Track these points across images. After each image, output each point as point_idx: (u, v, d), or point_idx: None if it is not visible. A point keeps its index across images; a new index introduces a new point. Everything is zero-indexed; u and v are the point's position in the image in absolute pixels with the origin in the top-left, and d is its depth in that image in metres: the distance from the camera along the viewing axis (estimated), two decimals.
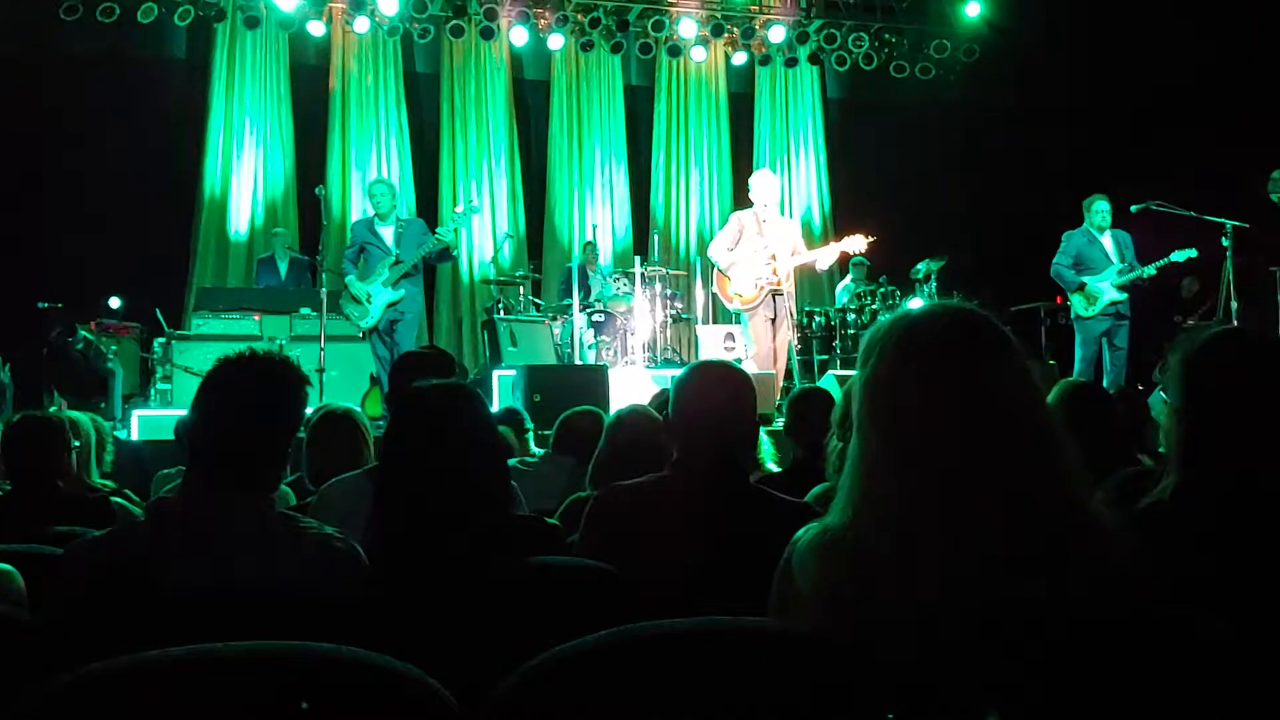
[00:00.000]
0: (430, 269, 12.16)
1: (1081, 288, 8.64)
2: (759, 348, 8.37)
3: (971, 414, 1.47)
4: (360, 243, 8.46)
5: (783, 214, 8.91)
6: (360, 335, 8.66)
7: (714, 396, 2.50)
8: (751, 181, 8.62)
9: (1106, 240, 8.75)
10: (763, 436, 4.04)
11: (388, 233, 8.37)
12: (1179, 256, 8.46)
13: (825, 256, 8.65)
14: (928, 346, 1.52)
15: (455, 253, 8.71)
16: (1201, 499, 1.77)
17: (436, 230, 8.46)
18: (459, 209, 8.92)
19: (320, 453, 3.73)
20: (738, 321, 9.29)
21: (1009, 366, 1.52)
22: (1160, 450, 2.44)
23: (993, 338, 1.53)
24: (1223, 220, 8.09)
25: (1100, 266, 8.68)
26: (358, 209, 11.84)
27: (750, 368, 8.23)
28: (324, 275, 8.51)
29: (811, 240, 12.10)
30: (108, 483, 4.24)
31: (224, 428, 2.13)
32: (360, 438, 3.77)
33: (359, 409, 4.13)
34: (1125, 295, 8.62)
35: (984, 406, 1.48)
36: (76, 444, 3.70)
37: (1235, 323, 7.74)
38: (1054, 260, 8.82)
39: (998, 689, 1.36)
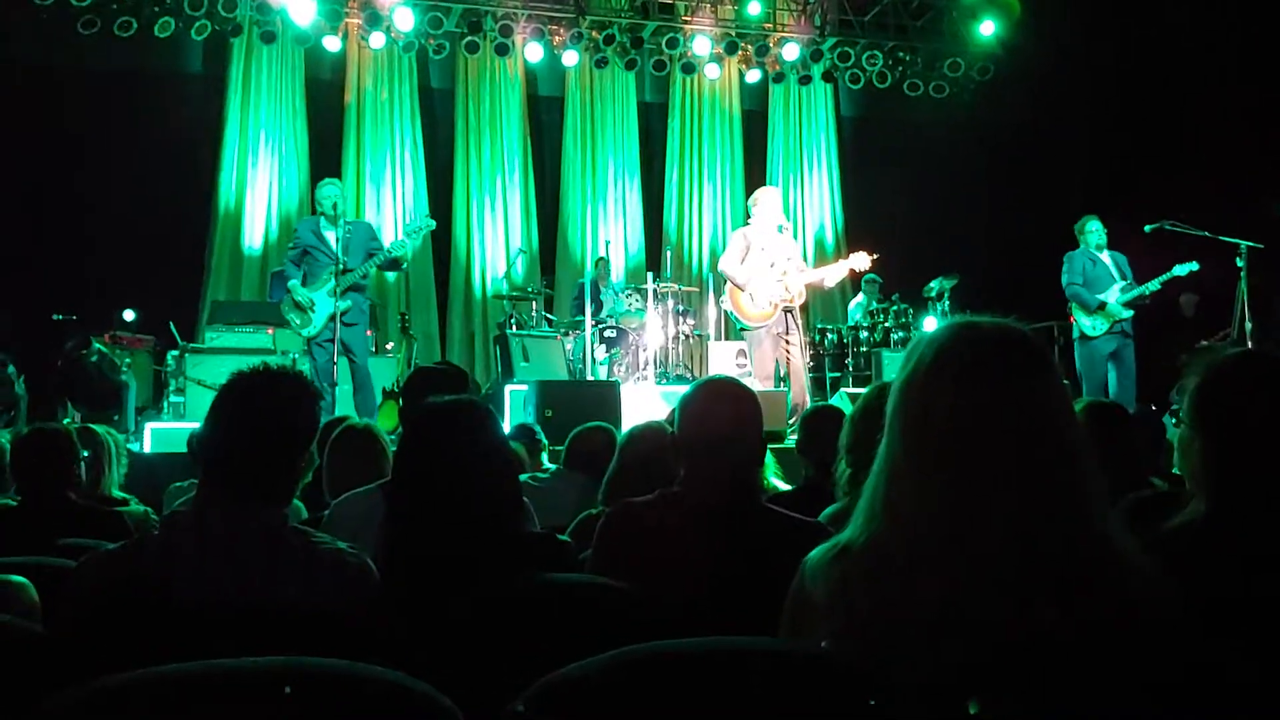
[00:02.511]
0: (441, 284, 12.25)
1: (1103, 307, 8.60)
2: (762, 367, 8.34)
3: (1001, 430, 1.47)
4: (304, 245, 8.04)
5: (796, 231, 8.91)
6: (373, 350, 8.62)
7: (718, 414, 2.48)
8: (758, 197, 8.59)
9: (1106, 259, 8.74)
10: (767, 455, 4.02)
11: (333, 237, 7.87)
12: (1181, 270, 8.46)
13: (832, 274, 8.72)
14: (965, 359, 1.52)
15: (405, 266, 8.50)
16: (1236, 524, 1.75)
17: (391, 243, 8.15)
18: (411, 225, 8.68)
19: (339, 467, 3.73)
20: None
21: (1044, 386, 1.51)
22: (1175, 471, 2.42)
23: (1030, 356, 1.53)
24: (1237, 240, 8.06)
25: (1105, 286, 8.66)
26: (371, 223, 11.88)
27: (754, 386, 8.22)
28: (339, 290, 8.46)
29: (824, 258, 12.10)
30: (130, 498, 4.24)
31: (237, 441, 2.13)
32: (379, 453, 3.77)
33: (376, 424, 4.13)
34: (1131, 313, 8.60)
35: (1015, 423, 1.47)
36: (85, 454, 3.70)
37: (1250, 344, 7.70)
38: (1067, 282, 8.76)
39: (1008, 706, 1.36)
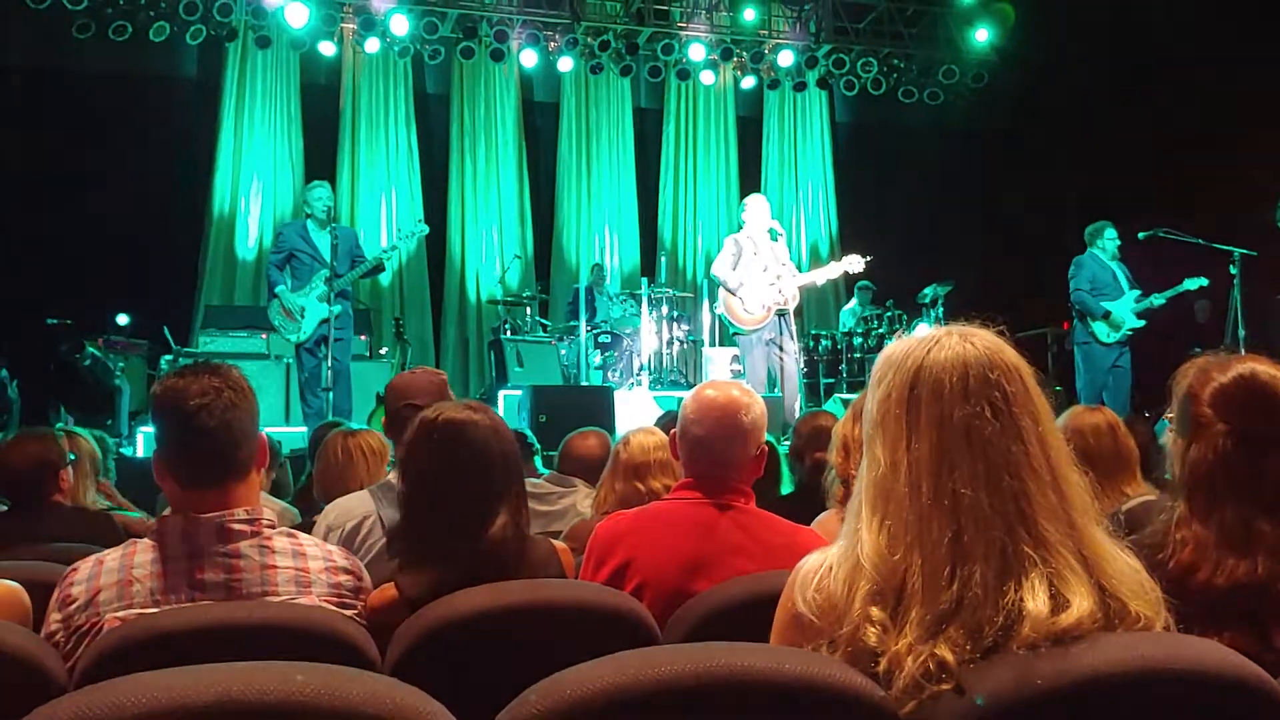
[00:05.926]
0: (436, 289, 12.26)
1: (1108, 315, 8.60)
2: (755, 372, 8.35)
3: (983, 444, 1.46)
4: (290, 249, 7.98)
5: (791, 237, 8.96)
6: (367, 354, 8.57)
7: (713, 417, 2.49)
8: (747, 204, 8.65)
9: (1117, 268, 8.76)
10: (783, 468, 4.02)
11: (323, 241, 7.84)
12: (1191, 284, 8.47)
13: (823, 276, 8.78)
14: (941, 373, 1.51)
15: (387, 269, 8.55)
16: (1214, 527, 1.76)
17: (384, 248, 8.14)
18: (404, 230, 8.71)
19: (331, 472, 3.72)
20: None
21: (1022, 398, 1.50)
22: (1166, 477, 2.43)
23: (1005, 366, 1.51)
24: (1230, 248, 8.07)
25: (1114, 294, 8.66)
26: (368, 229, 11.87)
27: None
28: (332, 295, 8.42)
29: (819, 264, 12.11)
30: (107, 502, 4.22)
31: (186, 444, 2.09)
32: (371, 457, 3.75)
33: (371, 428, 4.12)
34: (1144, 323, 8.61)
35: (995, 436, 1.47)
36: (73, 458, 3.68)
37: (1243, 350, 7.71)
38: (1073, 285, 8.73)
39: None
